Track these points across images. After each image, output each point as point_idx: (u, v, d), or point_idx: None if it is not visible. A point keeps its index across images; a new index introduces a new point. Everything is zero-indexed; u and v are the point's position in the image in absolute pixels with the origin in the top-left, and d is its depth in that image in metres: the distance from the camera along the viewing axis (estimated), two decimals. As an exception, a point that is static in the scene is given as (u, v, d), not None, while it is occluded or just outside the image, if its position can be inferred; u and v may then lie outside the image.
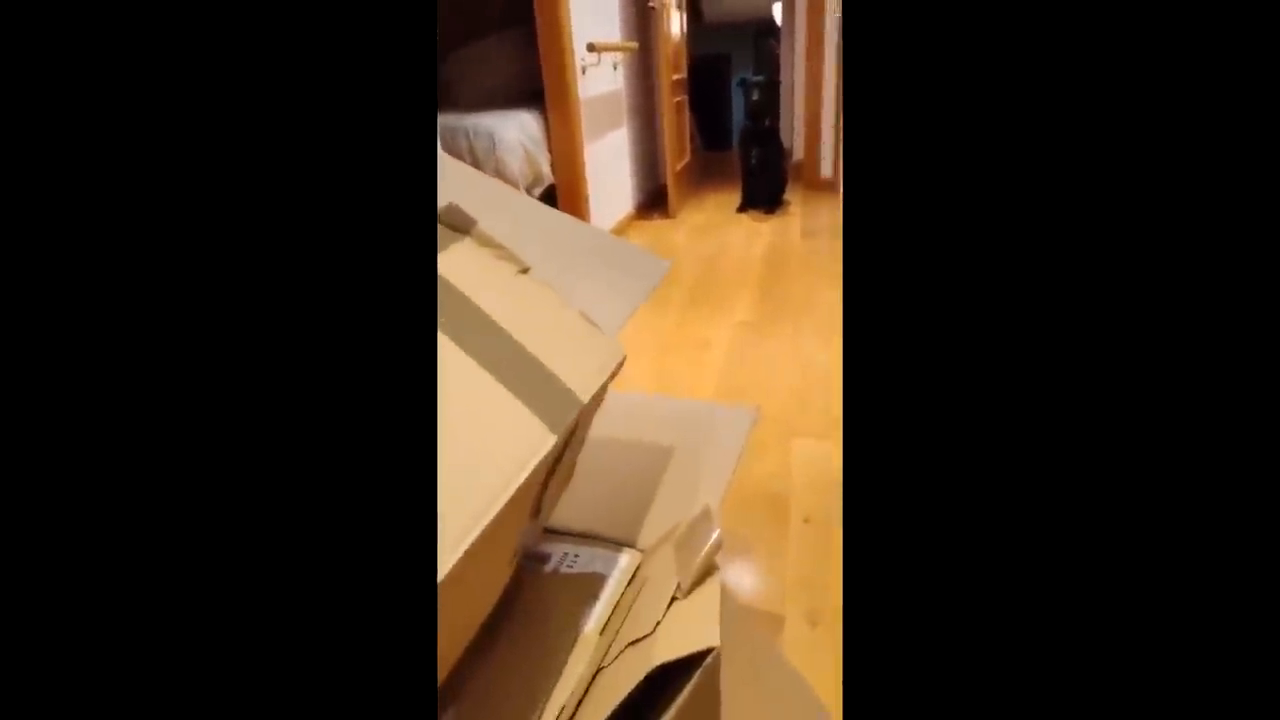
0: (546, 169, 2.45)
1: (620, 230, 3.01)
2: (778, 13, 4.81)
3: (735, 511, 1.11)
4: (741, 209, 3.30)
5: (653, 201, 3.55)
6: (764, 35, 6.17)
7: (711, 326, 1.91)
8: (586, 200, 2.53)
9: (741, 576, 0.97)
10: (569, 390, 0.49)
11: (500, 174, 2.30)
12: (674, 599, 0.50)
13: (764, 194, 3.24)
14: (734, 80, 6.02)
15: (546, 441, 0.45)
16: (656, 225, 3.19)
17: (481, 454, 0.44)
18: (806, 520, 1.08)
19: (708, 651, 0.43)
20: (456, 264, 0.52)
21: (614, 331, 0.62)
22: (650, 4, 3.02)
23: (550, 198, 2.52)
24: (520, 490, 0.43)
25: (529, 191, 2.38)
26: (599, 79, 2.74)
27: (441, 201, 0.56)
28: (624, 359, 0.57)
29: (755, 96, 3.03)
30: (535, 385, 0.48)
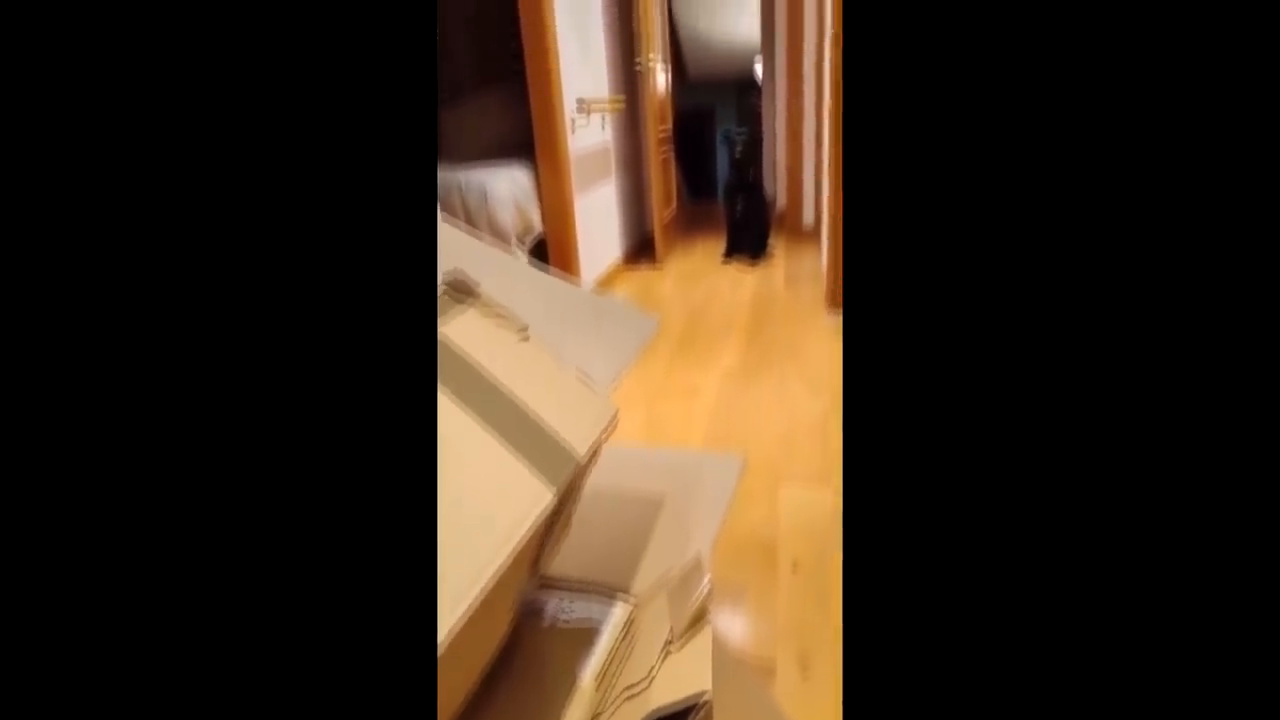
0: (537, 220, 2.52)
1: (609, 278, 3.07)
2: (758, 70, 5.01)
3: (725, 559, 1.13)
4: (727, 257, 3.38)
5: (640, 250, 3.63)
6: (746, 90, 6.40)
7: (699, 374, 1.95)
8: (576, 250, 2.59)
9: (733, 624, 0.99)
10: (566, 448, 0.52)
11: (492, 226, 2.36)
12: (667, 647, 0.52)
13: (748, 243, 3.33)
14: (718, 133, 6.21)
15: (544, 498, 0.48)
16: (644, 274, 3.25)
17: (483, 512, 0.46)
18: (795, 567, 1.10)
19: (701, 696, 0.45)
20: (461, 329, 0.55)
21: (607, 388, 0.65)
22: (636, 63, 3.15)
23: (541, 247, 2.58)
24: (520, 547, 0.46)
25: (520, 241, 2.44)
26: (588, 133, 2.83)
27: (445, 267, 0.60)
28: (617, 415, 0.60)
29: (738, 151, 3.14)
30: (534, 444, 0.51)
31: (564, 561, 0.76)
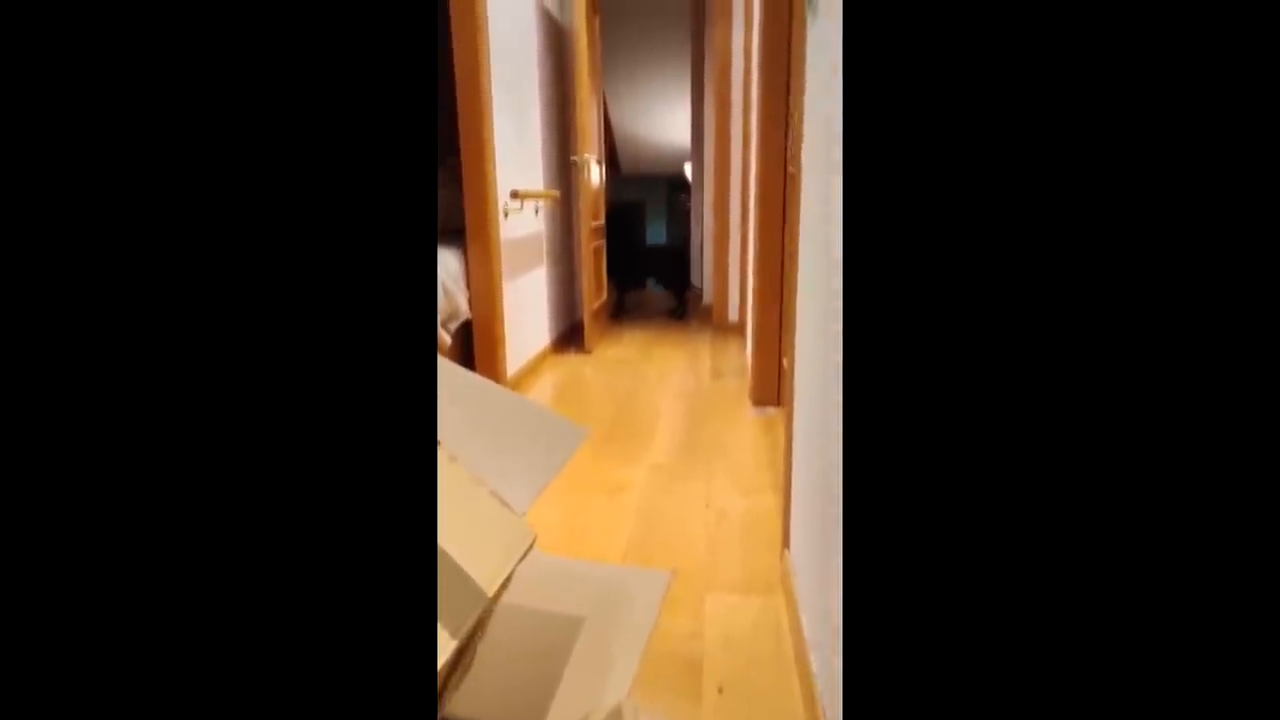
0: (464, 305, 2.47)
1: (536, 363, 3.03)
2: (689, 170, 5.28)
3: (645, 680, 1.05)
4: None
5: (570, 336, 3.62)
6: (676, 189, 6.72)
7: (625, 468, 1.90)
8: (503, 336, 2.55)
9: (654, 758, 0.90)
10: (474, 584, 0.47)
11: (416, 308, 2.28)
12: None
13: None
14: (647, 224, 6.45)
15: (446, 648, 0.42)
16: (573, 359, 3.23)
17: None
18: (721, 690, 1.03)
19: None
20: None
21: (526, 506, 0.60)
22: (572, 158, 3.25)
23: (466, 332, 2.53)
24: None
25: (445, 326, 2.38)
26: (521, 222, 2.86)
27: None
28: (534, 541, 0.55)
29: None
30: (440, 582, 0.45)
31: (467, 697, 0.68)
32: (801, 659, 1.03)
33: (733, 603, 1.25)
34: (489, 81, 2.32)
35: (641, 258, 4.44)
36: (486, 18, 2.28)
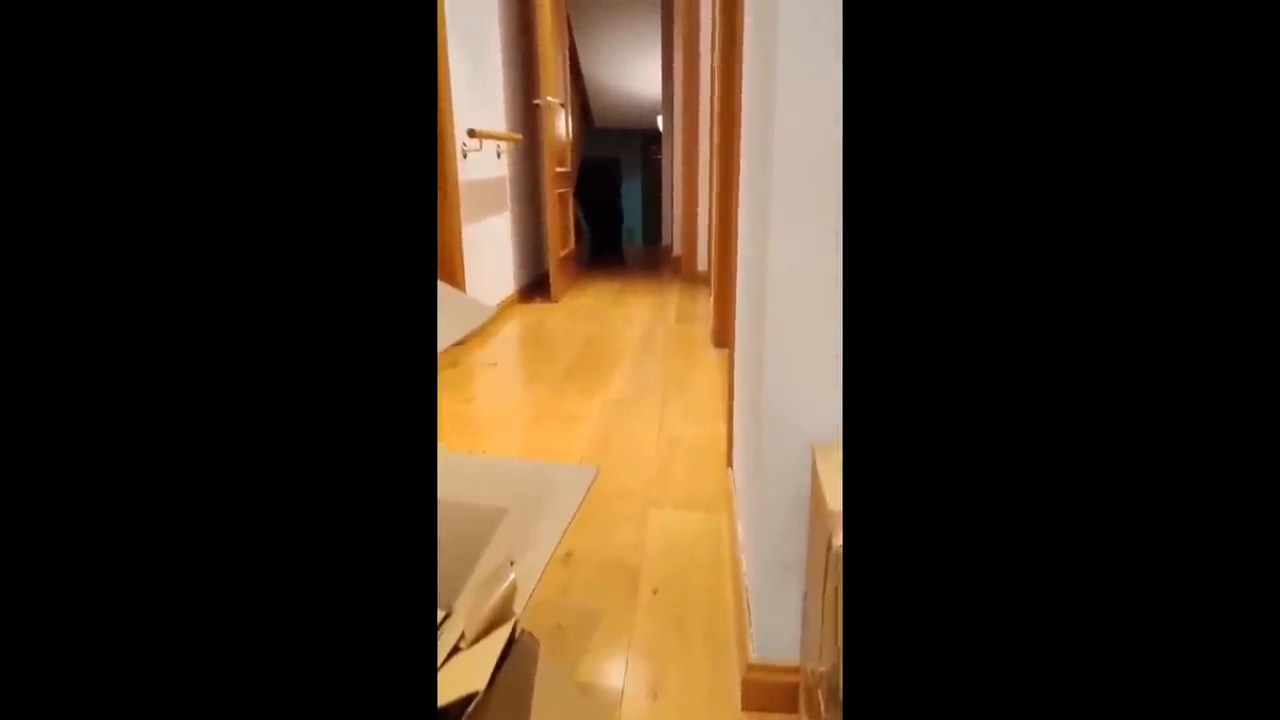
0: (422, 246, 2.43)
1: (501, 311, 3.00)
2: (661, 123, 5.20)
3: (587, 583, 1.07)
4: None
5: (536, 286, 3.59)
6: (650, 142, 6.63)
7: (583, 402, 1.90)
8: (463, 281, 2.52)
9: (583, 650, 0.92)
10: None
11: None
12: (456, 649, 0.46)
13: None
14: (624, 179, 6.36)
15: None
16: (538, 308, 3.21)
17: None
18: (656, 591, 1.05)
19: (471, 698, 0.39)
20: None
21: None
22: (535, 101, 3.18)
23: (426, 275, 2.49)
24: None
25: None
26: (481, 164, 2.80)
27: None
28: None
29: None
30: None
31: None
32: (735, 561, 1.05)
33: (676, 517, 1.27)
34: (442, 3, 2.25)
35: (616, 206, 4.43)
36: (437, -57, 2.20)
